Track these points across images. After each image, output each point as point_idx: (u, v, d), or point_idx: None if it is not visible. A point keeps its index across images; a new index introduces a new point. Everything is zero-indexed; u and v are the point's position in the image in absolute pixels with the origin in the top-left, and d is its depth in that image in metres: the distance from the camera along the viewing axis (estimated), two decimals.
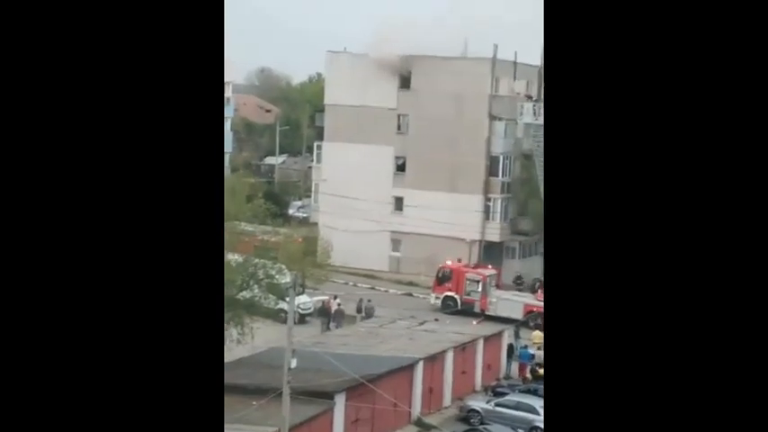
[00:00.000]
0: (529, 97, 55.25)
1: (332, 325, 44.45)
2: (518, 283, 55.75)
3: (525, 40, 58.80)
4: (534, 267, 61.19)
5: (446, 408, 35.29)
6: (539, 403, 33.31)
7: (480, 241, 58.30)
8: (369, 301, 47.73)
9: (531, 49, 59.00)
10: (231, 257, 31.54)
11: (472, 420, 33.44)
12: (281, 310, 35.19)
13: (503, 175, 58.31)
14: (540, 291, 51.53)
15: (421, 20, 61.74)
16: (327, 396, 28.34)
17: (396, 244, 60.42)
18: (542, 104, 53.45)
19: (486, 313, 49.88)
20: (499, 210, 58.41)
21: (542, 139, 51.94)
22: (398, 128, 60.00)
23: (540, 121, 52.55)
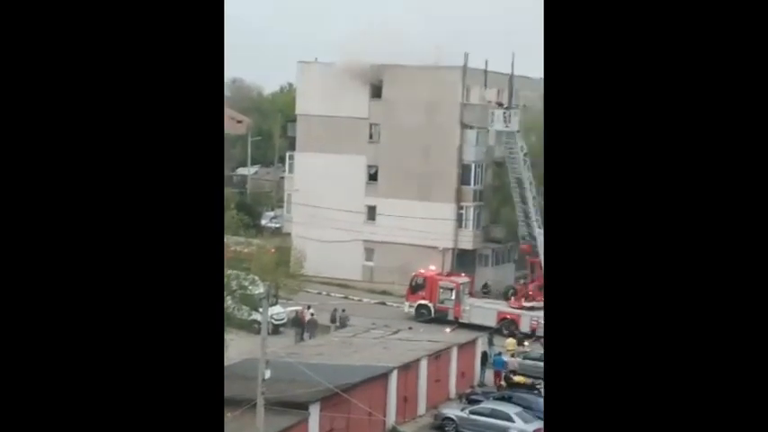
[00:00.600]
0: (500, 104, 55.41)
1: (306, 335, 44.36)
2: (485, 292, 55.83)
3: (495, 48, 59.29)
4: (507, 274, 61.41)
5: (421, 416, 35.26)
6: (513, 410, 33.39)
7: (453, 249, 58.41)
8: (343, 310, 47.70)
9: (503, 58, 59.55)
10: None
11: (447, 428, 33.49)
12: (255, 321, 35.07)
13: (475, 183, 58.45)
14: (513, 298, 51.71)
15: (392, 29, 61.81)
16: (302, 406, 28.25)
17: (369, 253, 60.41)
18: (513, 112, 53.67)
19: (460, 321, 49.96)
20: (472, 218, 58.53)
21: (514, 145, 52.21)
22: (370, 137, 60.06)
23: (511, 127, 52.78)
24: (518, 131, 53.07)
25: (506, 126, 53.36)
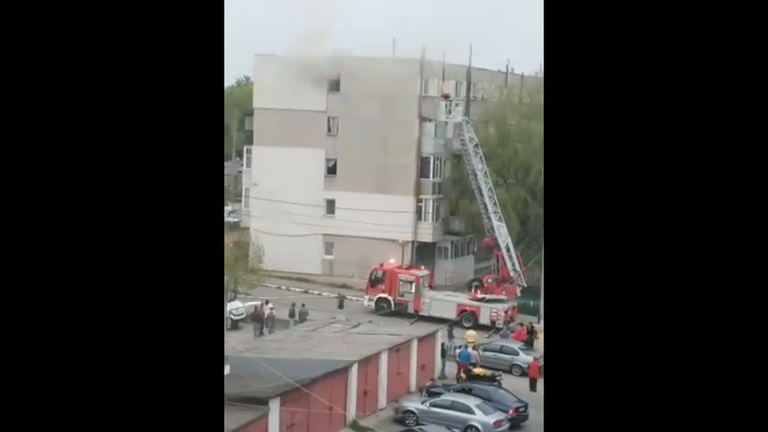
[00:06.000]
0: (445, 96, 55.63)
1: (265, 330, 44.15)
2: (476, 286, 54.09)
3: (453, 40, 59.26)
4: (467, 267, 61.48)
5: (381, 409, 35.18)
6: (473, 402, 33.42)
7: (413, 242, 58.36)
8: (303, 305, 47.51)
9: (460, 50, 59.62)
10: None
11: (408, 421, 33.38)
12: None
13: (434, 176, 58.43)
14: (474, 290, 51.74)
15: (349, 21, 61.73)
16: (262, 402, 28.06)
17: (328, 247, 60.18)
18: (455, 103, 54.25)
19: (420, 314, 49.97)
20: (431, 210, 58.49)
21: (464, 137, 52.61)
22: (329, 130, 59.81)
23: (452, 118, 53.49)
24: (467, 122, 53.36)
25: (448, 117, 53.95)
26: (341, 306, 49.50)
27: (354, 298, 53.93)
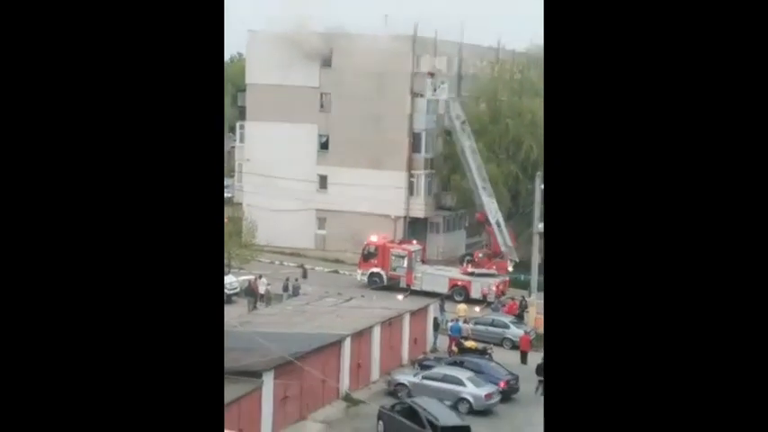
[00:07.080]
0: (431, 74, 55.87)
1: (259, 304, 44.51)
2: (469, 261, 54.11)
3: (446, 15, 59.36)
4: (458, 242, 61.87)
5: (374, 382, 35.57)
6: (464, 375, 33.81)
7: (405, 217, 58.73)
8: (296, 279, 47.88)
9: (452, 26, 59.78)
10: None
11: (400, 394, 33.70)
12: None
13: (426, 152, 58.71)
14: (465, 265, 52.13)
15: None
16: (256, 375, 28.40)
17: (321, 222, 60.53)
18: (440, 80, 54.64)
19: (412, 288, 50.38)
20: (423, 186, 58.82)
21: (451, 114, 53.04)
22: (321, 106, 59.98)
23: (437, 96, 53.99)
24: (454, 100, 53.70)
25: (434, 94, 54.39)
26: (305, 276, 49.97)
27: (347, 272, 54.29)
